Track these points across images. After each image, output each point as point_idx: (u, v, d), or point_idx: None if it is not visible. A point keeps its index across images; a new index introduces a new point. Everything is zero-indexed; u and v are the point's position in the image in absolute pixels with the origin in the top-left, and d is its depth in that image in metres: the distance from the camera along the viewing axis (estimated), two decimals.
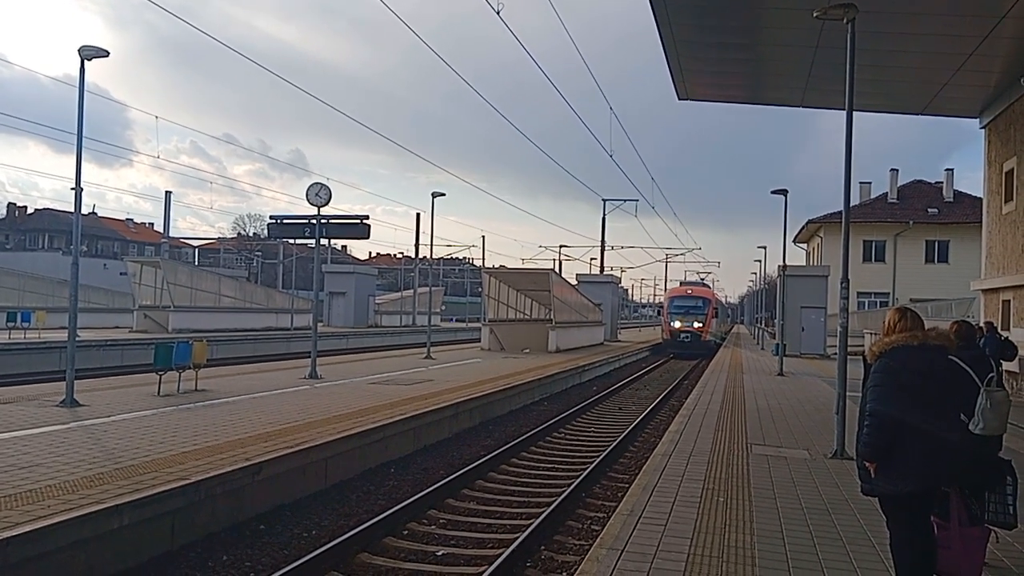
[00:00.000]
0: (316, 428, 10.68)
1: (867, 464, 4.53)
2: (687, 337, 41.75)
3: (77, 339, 13.11)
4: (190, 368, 14.27)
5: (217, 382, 15.90)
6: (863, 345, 36.58)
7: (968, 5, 14.88)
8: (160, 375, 13.71)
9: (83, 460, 8.20)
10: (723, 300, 72.20)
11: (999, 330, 16.82)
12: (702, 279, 64.14)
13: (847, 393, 10.33)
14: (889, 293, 48.49)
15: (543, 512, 8.54)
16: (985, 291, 22.04)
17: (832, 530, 6.55)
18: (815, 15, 10.41)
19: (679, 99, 21.89)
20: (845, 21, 10.16)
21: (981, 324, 16.71)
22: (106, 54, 12.23)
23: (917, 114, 22.69)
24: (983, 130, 21.86)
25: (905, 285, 47.83)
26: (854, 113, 10.47)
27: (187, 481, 7.47)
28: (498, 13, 13.18)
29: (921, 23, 15.89)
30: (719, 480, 8.35)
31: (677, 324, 42.82)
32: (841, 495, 7.79)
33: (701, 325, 42.64)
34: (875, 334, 35.77)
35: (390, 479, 10.56)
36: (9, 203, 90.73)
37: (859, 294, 47.24)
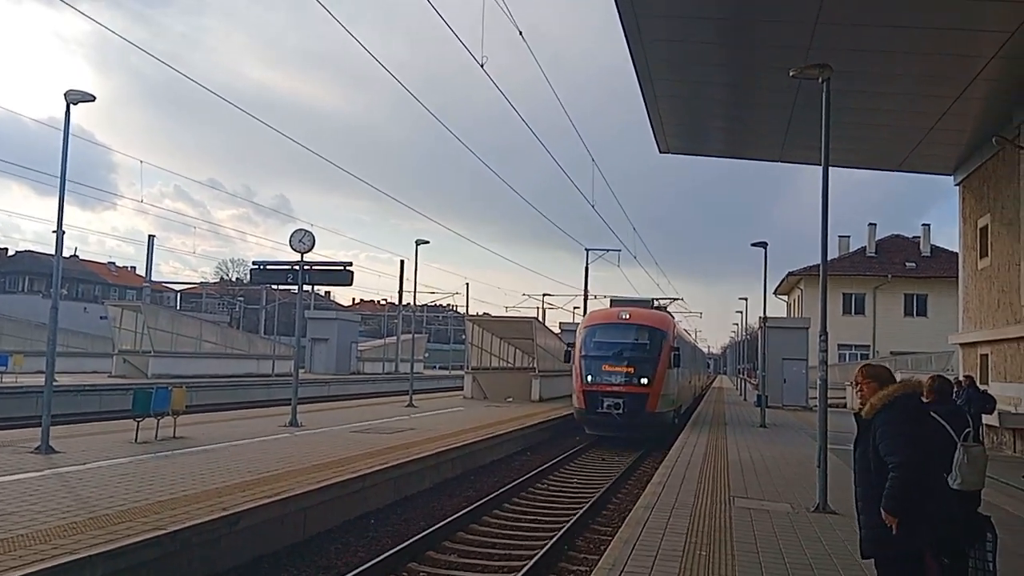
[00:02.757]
0: (296, 477, 10.55)
1: (889, 521, 4.31)
2: (616, 404, 20.34)
3: (55, 384, 12.95)
4: (169, 415, 14.09)
5: (196, 429, 15.71)
6: (844, 397, 36.76)
7: (940, 67, 15.35)
8: (138, 422, 13.54)
9: (56, 509, 8.05)
10: (692, 338, 42.39)
11: (977, 384, 16.97)
12: (656, 303, 30.81)
13: (828, 446, 10.38)
14: (869, 345, 48.87)
15: (524, 566, 8.45)
16: (963, 345, 22.28)
17: None
18: (791, 74, 10.71)
19: (660, 152, 22.27)
20: (820, 80, 10.47)
21: (960, 378, 16.87)
22: (92, 99, 12.31)
23: (893, 170, 23.21)
24: (958, 187, 22.33)
25: (885, 338, 48.24)
26: (831, 168, 10.72)
27: (162, 531, 7.34)
28: (482, 66, 13.43)
29: (895, 83, 16.35)
30: (701, 534, 8.31)
31: (598, 379, 21.06)
32: (824, 550, 7.78)
33: (646, 381, 20.76)
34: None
35: (370, 530, 10.42)
36: None
37: (840, 346, 47.57)
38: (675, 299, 44.44)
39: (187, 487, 9.52)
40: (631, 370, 20.59)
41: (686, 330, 40.36)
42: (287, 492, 9.52)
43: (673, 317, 26.11)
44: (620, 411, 20.06)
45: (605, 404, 20.26)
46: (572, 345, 22.46)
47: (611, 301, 26.56)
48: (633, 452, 19.38)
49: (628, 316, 22.06)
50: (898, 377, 4.85)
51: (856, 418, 4.65)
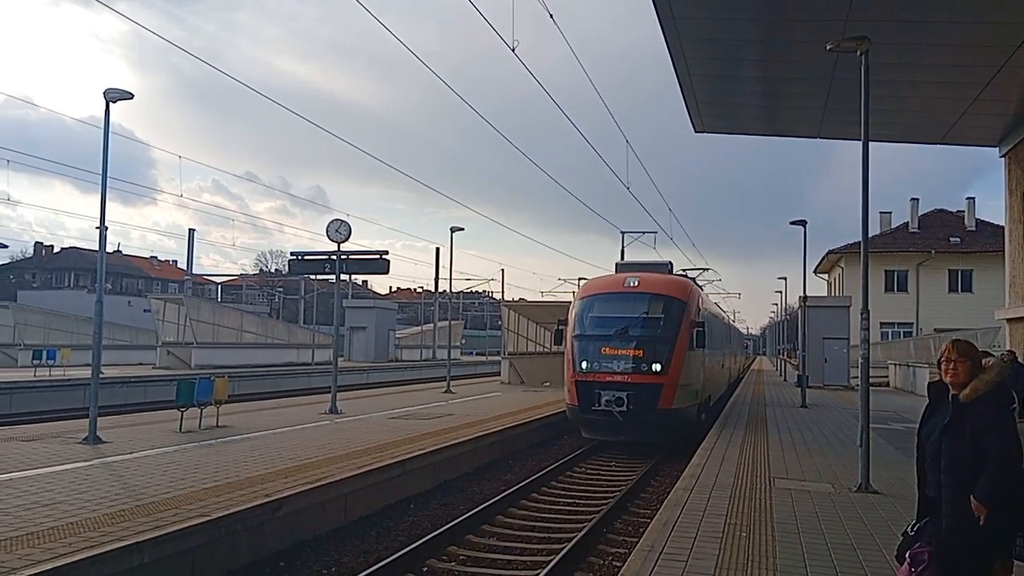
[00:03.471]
0: (336, 464, 10.68)
1: (979, 511, 4.17)
2: (619, 400, 15.35)
3: (101, 376, 13.25)
4: (211, 404, 14.35)
5: (238, 418, 15.97)
6: (887, 376, 36.17)
7: (982, 36, 14.88)
8: (182, 411, 13.80)
9: (105, 497, 8.25)
10: (724, 313, 36.08)
11: (1018, 359, 16.55)
12: (672, 267, 20.41)
13: (871, 425, 10.21)
14: (912, 323, 47.93)
15: (563, 548, 8.46)
16: (1010, 320, 21.73)
17: (857, 566, 6.43)
18: (828, 48, 10.46)
19: (695, 132, 21.98)
20: (859, 53, 10.20)
21: (1002, 354, 16.47)
22: (130, 96, 12.53)
23: (935, 144, 22.61)
24: (1003, 158, 21.72)
25: (929, 315, 47.27)
26: (871, 143, 10.48)
27: (207, 518, 7.48)
28: (513, 50, 13.34)
29: (935, 54, 15.90)
30: (741, 515, 8.23)
31: (595, 365, 15.96)
32: (866, 530, 7.66)
33: (660, 368, 15.61)
34: (900, 364, 35.35)
35: (409, 515, 10.51)
36: (36, 242, 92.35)
37: (882, 324, 46.72)
38: (704, 269, 36.65)
39: (230, 474, 9.68)
40: (639, 353, 15.42)
41: (717, 303, 33.31)
42: (328, 478, 9.64)
43: (699, 286, 20.66)
44: (624, 408, 14.93)
45: (603, 400, 15.02)
46: (564, 322, 17.15)
47: (616, 266, 20.13)
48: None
49: (636, 284, 16.59)
50: None
51: (953, 400, 4.38)
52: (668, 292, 16.60)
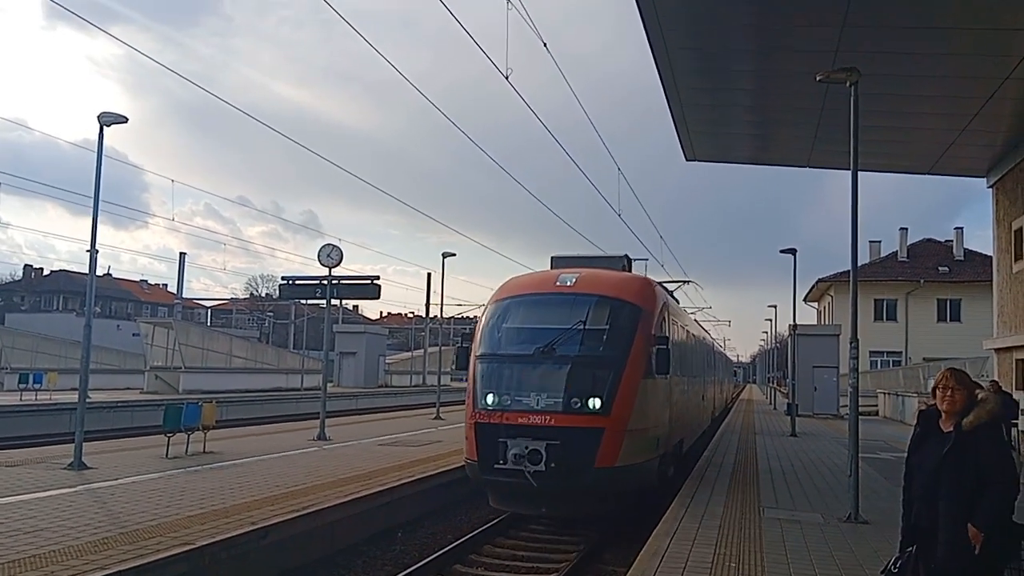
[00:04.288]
0: (323, 491, 10.58)
1: (975, 539, 4.21)
2: (534, 453, 9.91)
3: (88, 401, 13.13)
4: (199, 430, 14.22)
5: (226, 444, 15.82)
6: (876, 405, 36.20)
7: (970, 67, 15.09)
8: (169, 437, 13.67)
9: (88, 524, 8.13)
10: (702, 331, 24.47)
11: (1003, 389, 16.63)
12: (630, 262, 14.34)
13: (860, 454, 10.19)
14: (902, 352, 48.11)
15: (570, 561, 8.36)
16: (998, 350, 21.83)
17: None
18: (818, 79, 10.60)
19: (687, 160, 22.14)
20: (848, 84, 10.34)
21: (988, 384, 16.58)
22: (124, 120, 12.55)
23: (924, 174, 22.83)
24: (991, 189, 21.94)
25: (918, 344, 47.47)
26: (860, 173, 10.58)
27: (191, 546, 7.38)
28: (507, 78, 13.44)
29: (924, 85, 16.11)
30: (731, 544, 8.18)
31: (504, 400, 10.56)
32: (855, 560, 7.62)
33: (599, 404, 10.26)
34: (890, 394, 35.39)
35: (397, 543, 10.41)
36: (26, 265, 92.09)
37: (871, 353, 46.86)
38: (684, 281, 28.15)
39: (216, 502, 9.57)
40: (569, 382, 10.36)
41: (697, 321, 25.52)
42: (315, 506, 9.54)
43: (665, 290, 14.81)
44: (542, 466, 9.82)
45: (511, 453, 9.95)
46: (469, 337, 11.97)
47: (552, 260, 13.83)
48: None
49: (573, 283, 11.62)
50: None
51: (956, 428, 4.38)
52: (617, 294, 11.43)
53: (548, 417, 10.07)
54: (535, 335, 10.94)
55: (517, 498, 10.52)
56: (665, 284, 17.87)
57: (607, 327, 10.97)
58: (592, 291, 11.45)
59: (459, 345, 12.20)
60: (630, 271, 13.90)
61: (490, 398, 10.57)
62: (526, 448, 9.82)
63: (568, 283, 11.58)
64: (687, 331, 16.12)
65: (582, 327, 10.80)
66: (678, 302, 18.16)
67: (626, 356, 10.57)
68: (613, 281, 11.90)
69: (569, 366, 10.45)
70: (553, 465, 9.75)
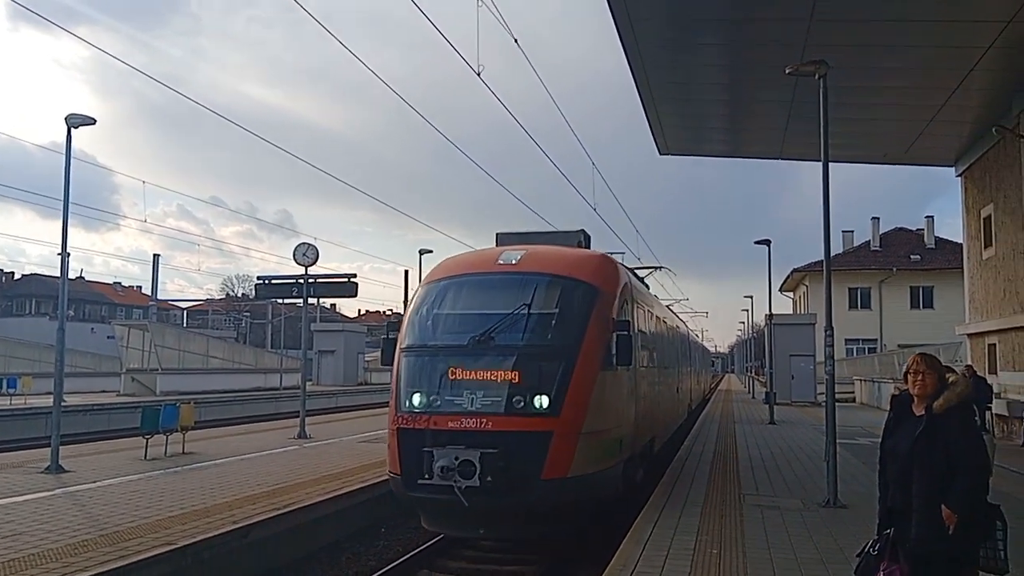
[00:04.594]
0: (305, 489, 10.57)
1: (950, 520, 4.30)
2: (466, 465, 8.26)
3: (63, 404, 13.01)
4: (177, 431, 14.13)
5: (205, 444, 15.73)
6: (853, 391, 36.68)
7: (938, 58, 15.34)
8: (147, 439, 13.57)
9: (67, 527, 8.08)
10: (673, 317, 22.27)
11: (977, 373, 16.93)
12: (588, 239, 12.39)
13: (838, 440, 10.36)
14: (876, 339, 48.75)
15: (538, 570, 8.43)
16: (971, 335, 22.22)
17: None
18: (788, 71, 10.73)
19: (660, 154, 22.29)
20: (817, 77, 10.48)
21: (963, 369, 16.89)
22: (93, 122, 12.43)
23: (894, 164, 23.18)
24: (960, 178, 22.30)
25: (892, 331, 48.13)
26: (832, 163, 10.72)
27: (173, 546, 7.36)
28: (479, 74, 13.46)
29: (892, 77, 16.36)
30: (712, 532, 8.29)
31: (433, 400, 8.94)
32: (834, 544, 7.75)
33: (546, 403, 8.66)
34: (866, 380, 35.87)
35: (380, 539, 10.42)
36: None
37: (847, 341, 47.42)
38: (656, 267, 24.86)
39: (197, 502, 9.54)
40: (512, 376, 8.83)
41: (670, 308, 23.60)
42: (297, 504, 9.54)
43: (632, 273, 13.55)
44: (475, 481, 8.28)
45: (438, 465, 8.38)
46: (397, 327, 10.30)
47: (497, 237, 12.10)
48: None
49: (518, 261, 10.05)
50: None
51: (927, 411, 4.47)
52: (570, 273, 9.88)
53: (485, 420, 8.49)
54: (471, 322, 9.34)
55: (449, 519, 8.90)
56: (635, 270, 16.54)
57: (557, 311, 9.38)
58: (540, 269, 9.89)
59: (384, 336, 10.33)
60: (586, 247, 11.95)
61: (416, 398, 8.98)
62: (456, 459, 8.19)
63: (512, 261, 9.97)
64: (656, 317, 14.68)
65: (527, 311, 9.19)
66: (648, 287, 16.96)
67: (579, 344, 9.02)
68: (565, 258, 10.36)
69: (510, 358, 8.86)
70: (490, 479, 8.12)
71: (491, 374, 8.75)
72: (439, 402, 8.75)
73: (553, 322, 9.25)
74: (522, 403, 8.53)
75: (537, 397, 8.55)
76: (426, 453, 8.33)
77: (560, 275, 9.75)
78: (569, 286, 9.61)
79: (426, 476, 8.29)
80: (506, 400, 8.55)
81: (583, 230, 12.25)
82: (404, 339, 9.69)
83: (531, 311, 9.17)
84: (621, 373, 9.76)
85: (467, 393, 8.64)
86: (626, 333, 9.39)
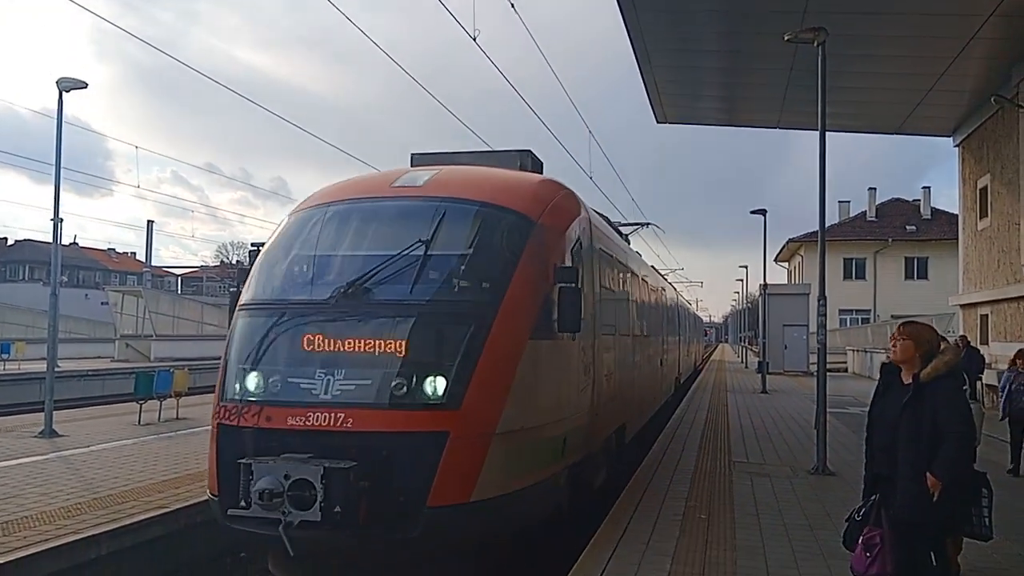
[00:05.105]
0: None
1: (934, 487, 4.30)
2: (298, 485, 5.22)
3: (57, 370, 13.02)
4: (171, 397, 14.15)
5: (199, 410, 15.71)
6: (845, 361, 36.86)
7: (937, 27, 15.19)
8: (141, 404, 13.60)
9: (61, 491, 8.11)
10: (653, 273, 17.22)
11: (971, 344, 17.00)
12: (538, 165, 8.93)
13: (829, 409, 10.43)
14: (870, 310, 48.90)
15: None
16: (964, 306, 22.30)
17: (813, 545, 6.58)
18: (786, 39, 10.61)
19: (657, 122, 22.14)
20: (816, 44, 10.37)
21: (956, 339, 16.96)
22: (84, 85, 12.29)
23: (891, 133, 23.07)
24: (957, 148, 22.22)
25: (886, 302, 48.24)
26: (829, 133, 10.66)
27: (166, 510, 7.41)
28: (474, 39, 13.28)
29: (891, 45, 16.20)
30: (702, 497, 8.36)
31: (274, 383, 5.93)
32: (822, 510, 7.83)
33: (440, 389, 5.66)
34: (858, 350, 36.04)
35: None
36: None
37: (840, 311, 47.57)
38: (643, 224, 20.35)
39: (190, 466, 9.57)
40: (394, 348, 5.85)
41: (649, 264, 18.37)
42: None
43: (602, 216, 10.70)
44: (316, 512, 5.24)
45: (256, 488, 5.33)
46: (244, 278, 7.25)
47: (412, 157, 8.80)
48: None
49: (423, 184, 7.00)
50: None
51: (914, 379, 4.47)
52: (493, 199, 6.92)
53: (344, 416, 5.63)
54: (341, 268, 6.49)
55: (285, 569, 6.04)
56: (618, 225, 14.15)
57: (470, 252, 6.51)
58: (449, 194, 6.88)
59: (232, 289, 7.74)
60: (531, 171, 8.56)
61: (251, 381, 6.09)
62: (286, 477, 5.30)
63: (417, 184, 7.02)
64: (632, 273, 11.81)
65: (423, 253, 6.25)
66: (629, 242, 14.46)
67: (499, 301, 6.10)
68: (490, 180, 7.40)
69: (391, 320, 6.01)
70: (338, 510, 5.24)
71: (360, 344, 5.86)
72: (279, 386, 5.91)
73: (462, 268, 6.43)
74: (404, 388, 5.70)
75: (428, 380, 5.71)
76: (243, 466, 5.49)
77: (478, 201, 6.81)
78: (491, 217, 6.68)
79: (241, 503, 5.47)
80: (379, 384, 5.75)
81: (530, 151, 8.99)
82: (246, 292, 6.90)
83: (429, 252, 6.26)
84: (567, 342, 6.81)
85: (321, 373, 5.81)
86: (573, 285, 6.55)
